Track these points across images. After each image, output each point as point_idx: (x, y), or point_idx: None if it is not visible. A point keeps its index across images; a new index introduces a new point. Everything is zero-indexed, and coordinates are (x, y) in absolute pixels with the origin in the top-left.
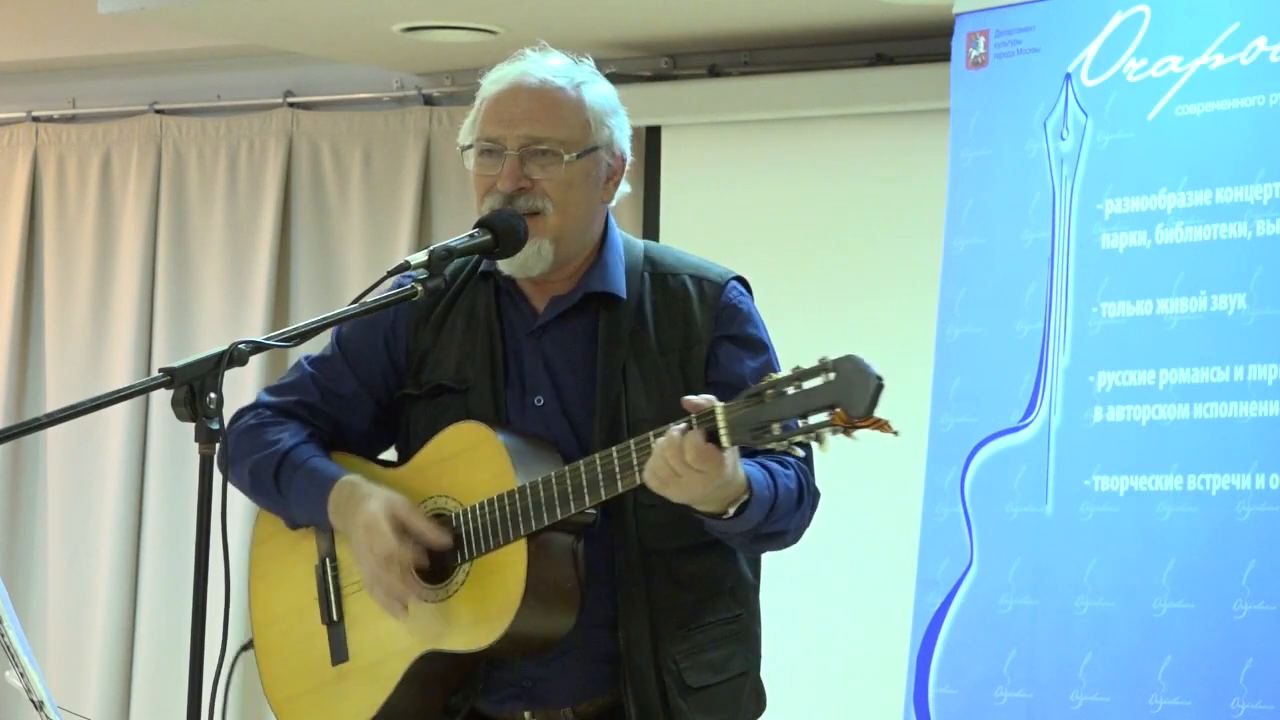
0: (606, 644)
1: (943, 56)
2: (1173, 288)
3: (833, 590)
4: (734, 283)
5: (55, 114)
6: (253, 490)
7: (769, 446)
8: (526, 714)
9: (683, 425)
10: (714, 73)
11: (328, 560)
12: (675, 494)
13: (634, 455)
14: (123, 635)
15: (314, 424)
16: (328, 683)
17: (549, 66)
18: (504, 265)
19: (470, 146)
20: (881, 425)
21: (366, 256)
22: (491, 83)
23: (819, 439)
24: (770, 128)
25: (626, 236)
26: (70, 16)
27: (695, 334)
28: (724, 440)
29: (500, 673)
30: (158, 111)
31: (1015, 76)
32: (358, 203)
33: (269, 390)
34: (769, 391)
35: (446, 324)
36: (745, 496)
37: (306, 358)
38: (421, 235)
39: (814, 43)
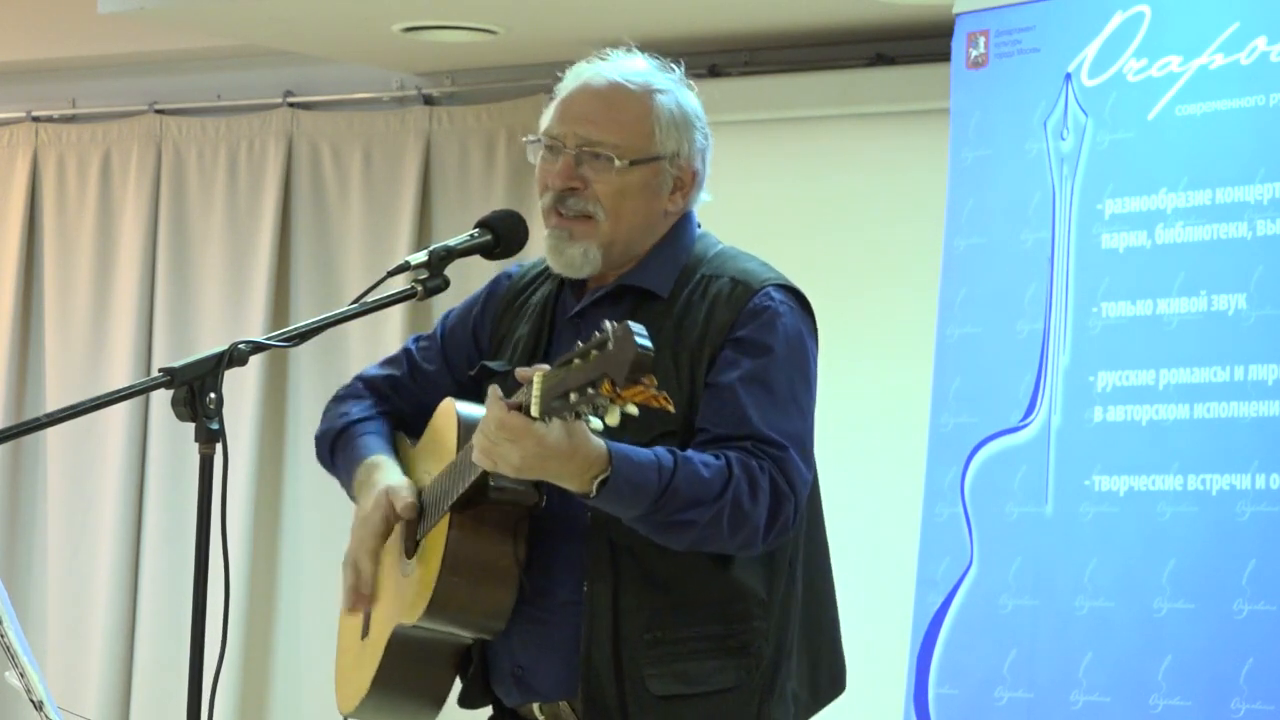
0: (579, 632)
1: (943, 56)
2: (1173, 288)
3: None
4: (772, 289)
5: (55, 114)
6: (319, 463)
7: (564, 415)
8: (535, 706)
9: (502, 394)
10: (714, 73)
11: None
12: (502, 468)
13: None
14: (123, 635)
15: (395, 400)
16: (355, 656)
17: (626, 68)
18: (552, 266)
19: (537, 141)
20: (651, 398)
21: (366, 256)
22: (567, 79)
23: (598, 410)
24: (770, 128)
25: (706, 237)
26: (70, 16)
27: (710, 335)
28: (534, 410)
29: (495, 658)
30: (158, 111)
31: (1015, 76)
32: (358, 203)
33: (380, 361)
34: (576, 360)
35: (522, 312)
36: (606, 473)
37: (416, 335)
38: (421, 235)
39: (814, 43)
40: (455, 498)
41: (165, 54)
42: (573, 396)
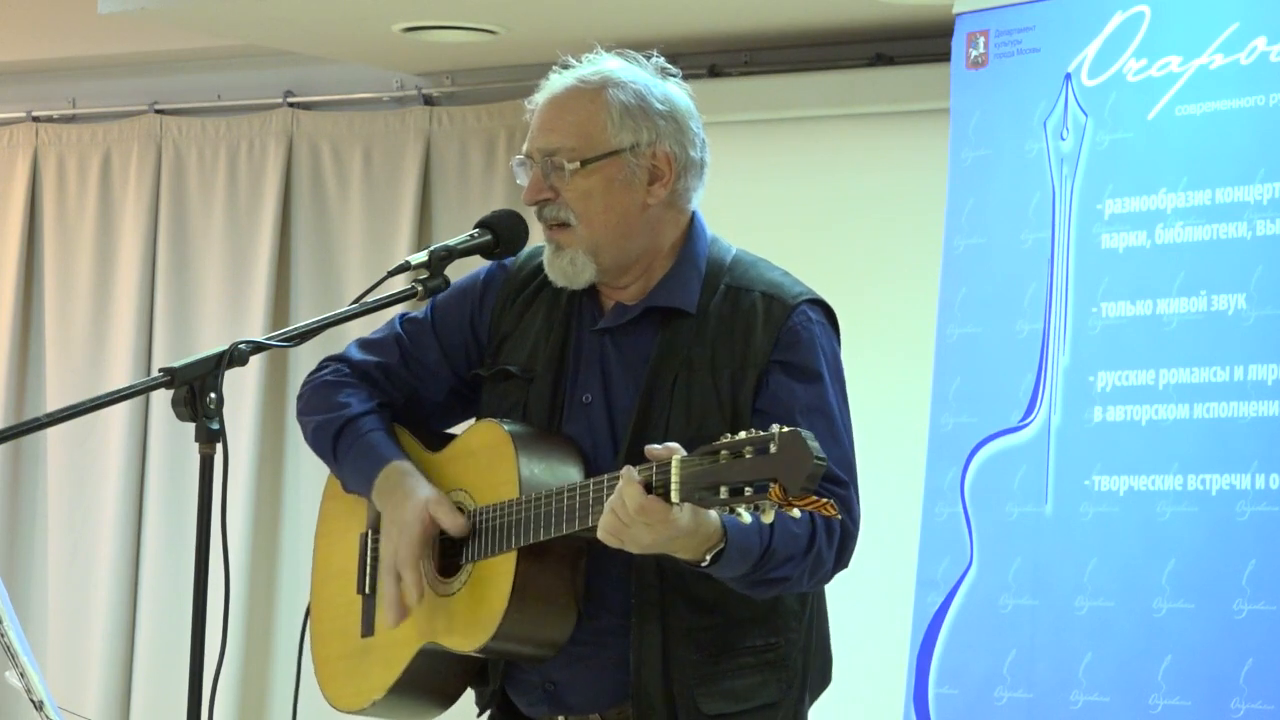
0: (625, 654)
1: (943, 56)
2: (1173, 288)
3: (832, 590)
4: (805, 306)
5: (55, 114)
6: (313, 448)
7: (711, 505)
8: (560, 718)
9: (637, 475)
10: (714, 73)
11: (371, 531)
12: (628, 546)
13: (605, 491)
14: (123, 635)
15: (388, 389)
16: (356, 653)
17: (588, 69)
18: (552, 278)
19: (521, 163)
20: (820, 506)
21: (366, 256)
22: (539, 92)
23: (759, 509)
24: (770, 128)
25: (718, 243)
26: (70, 16)
27: (752, 356)
28: (674, 495)
29: (522, 673)
30: (158, 111)
31: (1015, 76)
32: (358, 203)
33: (358, 343)
34: (724, 452)
35: (530, 310)
36: (720, 545)
37: (402, 315)
38: (421, 235)
39: (814, 43)
40: (534, 540)
41: (165, 54)
42: (723, 491)
